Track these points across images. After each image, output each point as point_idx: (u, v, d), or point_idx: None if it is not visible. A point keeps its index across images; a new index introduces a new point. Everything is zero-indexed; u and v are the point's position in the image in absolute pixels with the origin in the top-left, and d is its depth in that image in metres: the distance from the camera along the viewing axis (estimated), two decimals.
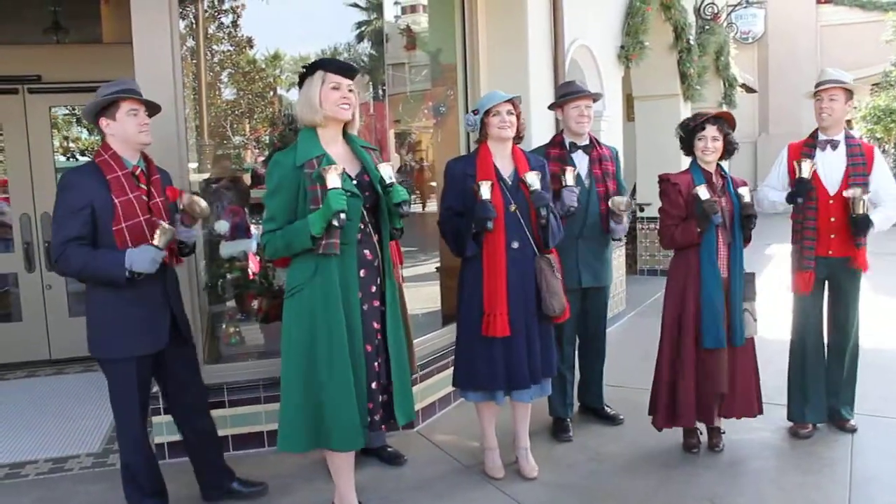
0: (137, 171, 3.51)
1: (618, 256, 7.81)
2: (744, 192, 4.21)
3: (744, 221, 4.21)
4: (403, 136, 6.85)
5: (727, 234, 4.23)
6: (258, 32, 5.90)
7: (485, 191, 3.81)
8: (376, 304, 3.50)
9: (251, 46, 6.46)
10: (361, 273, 3.42)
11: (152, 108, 3.60)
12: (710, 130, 4.22)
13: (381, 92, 6.06)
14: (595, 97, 4.78)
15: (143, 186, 3.50)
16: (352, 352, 3.36)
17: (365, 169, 3.47)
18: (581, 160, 4.67)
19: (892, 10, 18.02)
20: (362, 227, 3.42)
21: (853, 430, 4.70)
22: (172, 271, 3.71)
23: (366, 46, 6.06)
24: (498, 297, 3.88)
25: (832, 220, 4.45)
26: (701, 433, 4.54)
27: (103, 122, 3.48)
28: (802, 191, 4.39)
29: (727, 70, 12.73)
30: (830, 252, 4.48)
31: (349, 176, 3.38)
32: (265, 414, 4.57)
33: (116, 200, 3.37)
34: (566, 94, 4.71)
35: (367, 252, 3.45)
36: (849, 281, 4.58)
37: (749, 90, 18.06)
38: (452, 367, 4.20)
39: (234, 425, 4.57)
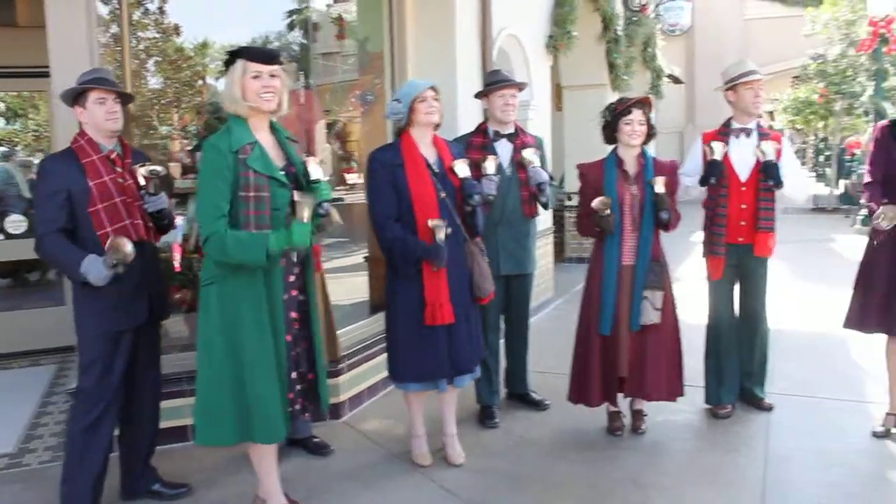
0: (113, 156, 3.60)
1: (545, 244, 7.89)
2: (658, 185, 4.24)
3: (655, 213, 4.26)
4: (333, 126, 6.79)
5: (635, 222, 4.31)
6: (186, 20, 5.77)
7: (441, 236, 3.78)
8: (294, 293, 3.47)
9: (178, 34, 6.33)
10: (281, 263, 3.38)
11: (125, 97, 3.71)
12: (637, 114, 4.29)
13: (310, 81, 6.00)
14: (520, 86, 4.81)
15: (118, 170, 3.59)
16: (276, 343, 3.32)
17: (290, 161, 3.43)
18: (504, 148, 4.70)
19: (811, 6, 18.55)
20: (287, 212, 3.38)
21: (769, 409, 4.85)
22: (151, 247, 3.74)
23: (297, 35, 5.98)
24: (441, 286, 3.88)
25: (743, 206, 4.57)
26: (624, 416, 4.62)
27: (77, 109, 3.60)
28: (715, 171, 4.49)
29: (654, 61, 12.97)
30: (740, 239, 4.59)
31: (277, 167, 3.34)
32: (188, 408, 4.47)
33: (91, 183, 3.46)
34: (491, 82, 4.74)
35: None
36: (757, 267, 4.71)
37: (676, 81, 18.44)
38: (386, 359, 4.16)
39: None
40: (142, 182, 3.63)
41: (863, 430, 4.51)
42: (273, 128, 3.49)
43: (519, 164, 4.68)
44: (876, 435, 4.42)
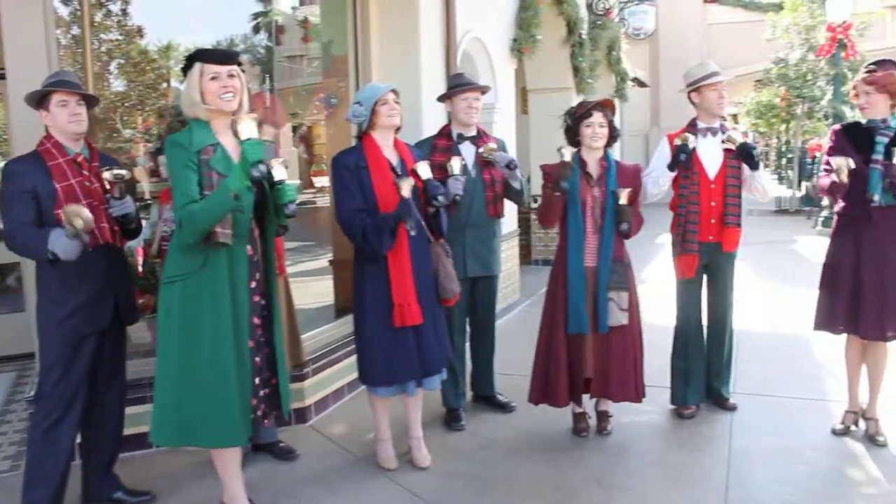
0: (80, 159, 3.57)
1: (511, 247, 7.93)
2: (622, 193, 4.25)
3: (617, 224, 4.29)
4: (298, 129, 6.76)
5: (596, 224, 4.34)
6: (150, 22, 5.71)
7: (406, 189, 3.78)
8: (256, 299, 3.45)
9: (142, 36, 6.26)
10: (246, 267, 3.36)
11: (89, 99, 3.66)
12: (597, 117, 4.32)
13: (274, 84, 5.97)
14: (483, 89, 4.83)
15: (85, 173, 3.56)
16: (237, 347, 3.30)
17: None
18: (468, 151, 4.72)
19: (772, 11, 18.83)
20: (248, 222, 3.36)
21: (733, 409, 4.90)
22: (118, 251, 3.70)
23: (262, 38, 5.95)
24: (408, 286, 3.89)
25: (712, 204, 4.62)
26: (590, 417, 4.65)
27: (42, 112, 3.57)
28: (685, 149, 4.50)
29: (619, 64, 13.09)
30: (711, 237, 4.65)
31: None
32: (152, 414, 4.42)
33: (58, 186, 3.44)
34: (455, 85, 4.77)
35: (248, 247, 3.39)
36: (726, 266, 4.77)
37: (641, 84, 18.61)
38: (353, 361, 4.17)
39: None
40: (107, 186, 3.60)
41: (823, 427, 4.58)
42: (236, 131, 3.46)
43: (483, 165, 4.69)
44: (836, 432, 4.50)
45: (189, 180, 3.21)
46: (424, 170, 3.97)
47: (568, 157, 4.22)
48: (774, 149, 23.36)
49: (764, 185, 4.72)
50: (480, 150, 4.61)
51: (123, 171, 3.60)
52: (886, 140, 4.18)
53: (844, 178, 4.11)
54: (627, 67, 13.82)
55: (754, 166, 4.54)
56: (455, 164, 4.29)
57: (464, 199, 4.39)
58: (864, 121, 4.36)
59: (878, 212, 4.18)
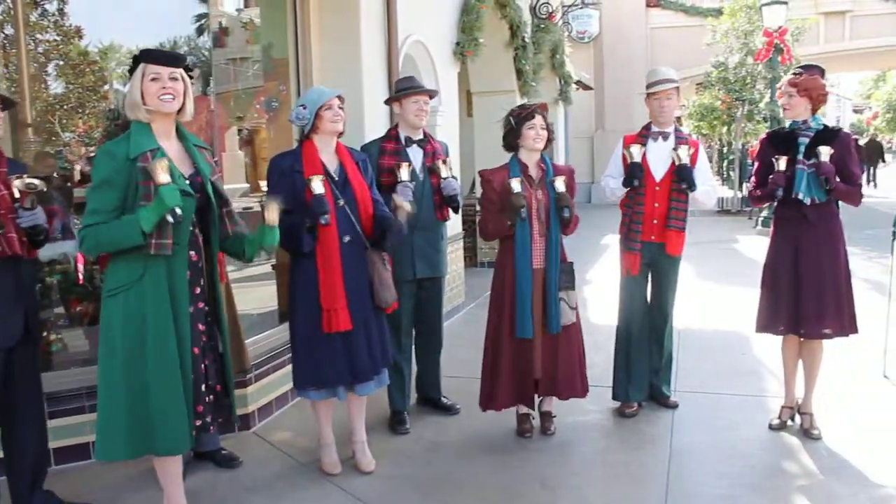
0: None
1: (456, 249, 7.95)
2: (558, 182, 4.35)
3: (558, 212, 4.36)
4: (242, 133, 6.69)
5: (542, 226, 4.39)
6: (89, 22, 5.59)
7: (317, 185, 3.79)
8: (201, 305, 3.41)
9: (81, 37, 6.12)
10: (186, 275, 3.32)
11: (5, 102, 3.56)
12: (538, 119, 4.39)
13: (216, 88, 5.91)
14: (431, 93, 4.90)
15: None
16: (181, 355, 3.26)
17: (198, 169, 3.37)
18: (416, 154, 4.75)
19: (711, 16, 19.21)
20: (190, 227, 3.32)
21: (675, 406, 5.00)
22: (27, 263, 3.58)
23: (206, 40, 5.87)
24: (336, 292, 3.88)
25: (656, 205, 4.72)
26: (533, 418, 4.69)
27: None
28: (636, 172, 4.63)
29: (562, 68, 13.22)
30: (653, 237, 4.74)
31: (183, 175, 3.27)
32: (89, 424, 4.34)
33: None
34: (406, 87, 4.78)
35: (192, 253, 3.36)
36: (668, 265, 4.87)
37: (585, 87, 18.80)
38: (291, 367, 4.15)
39: (56, 438, 4.29)
40: (17, 195, 3.46)
41: (761, 423, 4.70)
42: (181, 134, 3.42)
43: (431, 170, 4.74)
44: (772, 427, 4.62)
45: (105, 197, 3.16)
46: (404, 173, 4.19)
47: (518, 188, 4.29)
48: (716, 150, 23.78)
49: (704, 201, 4.82)
50: (430, 165, 4.72)
51: (36, 181, 3.47)
52: (807, 140, 4.36)
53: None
54: (571, 70, 13.97)
55: (691, 188, 4.64)
56: (404, 171, 4.32)
57: (413, 203, 4.43)
58: (787, 124, 4.52)
59: (813, 211, 4.32)
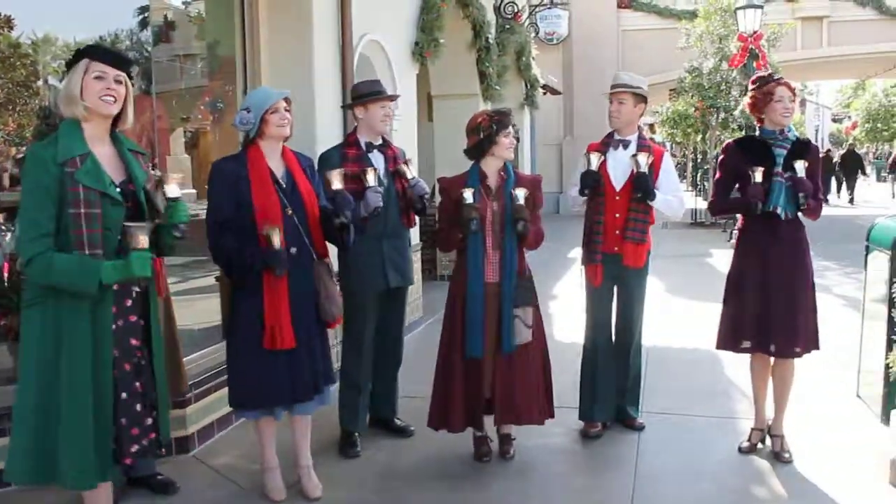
0: None
1: (414, 261, 7.95)
2: (519, 193, 4.35)
3: (512, 224, 4.36)
4: (188, 136, 6.64)
5: (497, 238, 4.41)
6: (20, 12, 5.51)
7: (276, 240, 3.76)
8: (133, 318, 3.38)
9: (11, 27, 6.04)
10: (114, 286, 3.29)
11: None
12: (511, 128, 4.44)
13: (157, 87, 5.85)
14: (394, 98, 4.98)
15: None
16: (99, 377, 3.22)
17: (131, 177, 3.35)
18: (378, 159, 4.77)
19: (685, 19, 19.49)
20: (119, 237, 3.29)
21: (641, 428, 5.05)
22: None
23: (148, 35, 5.82)
24: (281, 308, 3.86)
25: (617, 216, 4.78)
26: (491, 441, 4.70)
27: None
28: (588, 182, 4.71)
29: (529, 70, 13.32)
30: (616, 249, 4.79)
31: (113, 182, 3.25)
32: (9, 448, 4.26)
33: None
34: (373, 92, 4.78)
35: None
36: (633, 279, 4.91)
37: (553, 92, 18.97)
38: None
39: None
40: None
41: (731, 445, 4.76)
42: (115, 139, 3.40)
43: (396, 173, 4.76)
44: (742, 450, 4.68)
45: (41, 205, 3.13)
46: (336, 179, 4.07)
47: (470, 199, 4.30)
48: (690, 160, 24.08)
49: (666, 212, 4.89)
50: (395, 168, 4.75)
51: None
52: (784, 152, 4.44)
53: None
54: (538, 74, 14.08)
55: (649, 197, 4.70)
56: (371, 176, 4.34)
57: (381, 210, 4.46)
58: (757, 133, 4.62)
59: (782, 225, 4.42)
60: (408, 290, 5.12)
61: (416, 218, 4.96)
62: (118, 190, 3.26)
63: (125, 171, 3.36)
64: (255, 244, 3.82)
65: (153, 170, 3.88)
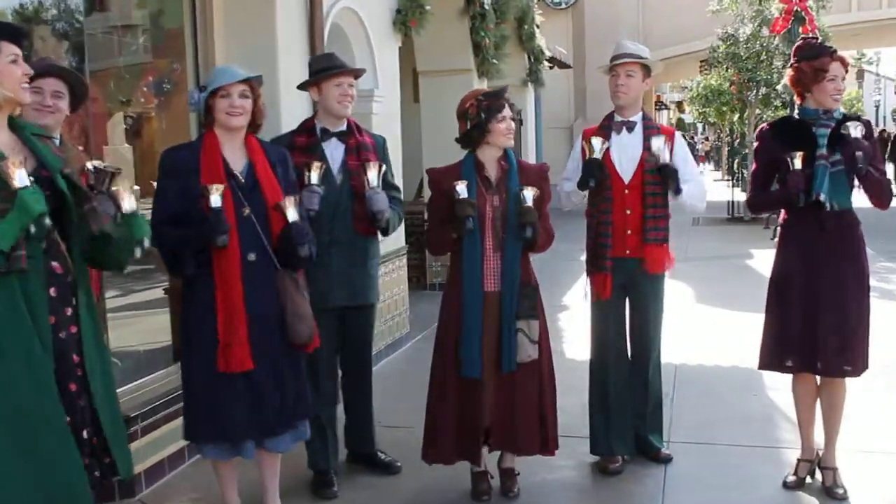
0: None
1: (397, 268, 8.01)
2: (527, 194, 4.37)
3: (519, 229, 4.40)
4: (131, 122, 6.67)
5: (497, 240, 4.46)
6: None
7: (215, 197, 3.81)
8: (74, 330, 3.43)
9: None
10: (52, 291, 3.34)
11: None
12: (507, 110, 4.43)
13: (89, 64, 5.88)
14: (357, 73, 4.93)
15: None
16: (42, 400, 3.26)
17: (42, 162, 3.40)
18: (335, 150, 4.79)
19: None
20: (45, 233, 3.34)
21: (667, 461, 5.10)
22: None
23: (79, 2, 5.85)
24: (235, 322, 3.90)
25: (628, 212, 4.82)
26: (492, 477, 4.74)
27: None
28: (593, 171, 4.69)
29: (532, 41, 13.35)
30: (628, 252, 4.83)
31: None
32: None
33: None
34: (325, 68, 4.79)
35: (55, 265, 3.37)
36: (649, 286, 4.96)
37: (562, 66, 18.99)
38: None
39: None
40: None
41: (774, 480, 4.81)
42: (14, 125, 3.45)
43: (355, 170, 4.75)
44: (788, 485, 4.72)
45: None
46: (291, 211, 4.01)
47: (465, 193, 4.32)
48: (726, 143, 24.18)
49: (693, 203, 4.96)
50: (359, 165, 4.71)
51: None
52: (828, 131, 4.45)
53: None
54: (543, 45, 14.11)
55: (676, 191, 4.76)
56: (314, 173, 4.36)
57: (325, 212, 4.47)
58: (796, 113, 4.69)
59: (831, 219, 4.44)
60: (373, 307, 5.13)
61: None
62: (31, 179, 3.30)
63: (34, 157, 3.40)
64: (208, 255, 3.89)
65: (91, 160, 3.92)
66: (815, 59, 4.46)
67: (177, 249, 3.92)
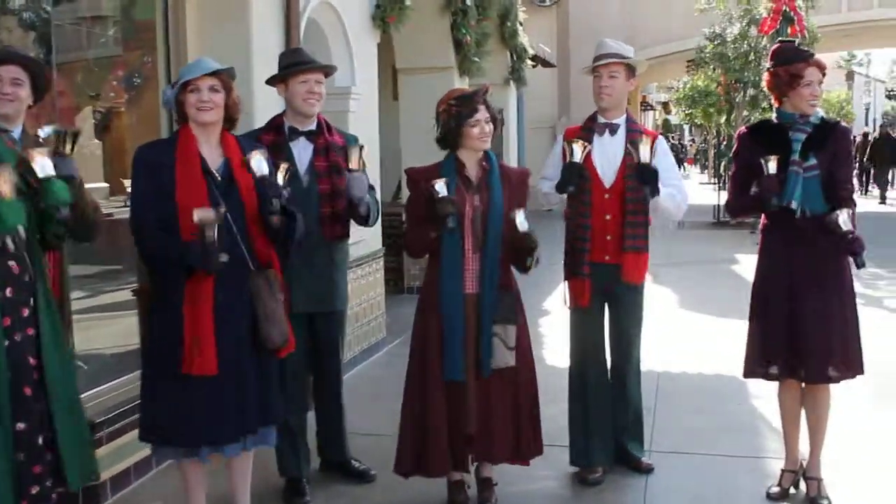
0: None
1: (373, 271, 8.01)
2: (519, 217, 4.35)
3: (518, 258, 4.42)
4: (102, 117, 6.65)
5: (476, 240, 4.46)
6: None
7: (210, 234, 3.73)
8: (31, 332, 3.41)
9: None
10: (7, 292, 3.32)
11: None
12: (482, 112, 4.42)
13: (57, 55, 5.86)
14: (327, 70, 4.93)
15: None
16: None
17: None
18: (303, 150, 4.78)
19: None
20: None
21: (649, 471, 5.11)
22: None
23: None
24: (201, 324, 3.87)
25: (607, 217, 4.82)
26: (469, 486, 4.74)
27: None
28: (572, 175, 4.68)
29: (515, 39, 13.39)
30: (607, 258, 4.83)
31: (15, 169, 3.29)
32: None
33: None
34: (290, 64, 4.79)
35: (11, 264, 3.35)
36: (628, 294, 4.97)
37: (546, 64, 19.06)
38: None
39: None
40: None
41: (758, 490, 4.83)
42: None
43: (324, 171, 4.74)
44: (771, 496, 4.75)
45: None
46: (259, 162, 3.97)
47: (444, 192, 4.28)
48: (712, 145, 24.31)
49: (671, 209, 4.97)
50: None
51: None
52: (803, 137, 4.50)
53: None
54: (526, 43, 14.16)
55: (653, 192, 4.73)
56: (279, 174, 4.32)
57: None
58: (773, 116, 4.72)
59: (809, 224, 4.45)
60: (340, 313, 5.11)
61: (359, 224, 4.87)
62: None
63: None
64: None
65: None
66: (790, 65, 4.50)
67: (164, 262, 3.90)
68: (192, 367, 3.86)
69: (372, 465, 5.14)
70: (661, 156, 4.88)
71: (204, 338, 3.87)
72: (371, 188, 4.83)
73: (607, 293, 4.94)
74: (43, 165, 3.36)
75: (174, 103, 4.00)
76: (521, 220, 4.34)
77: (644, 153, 4.69)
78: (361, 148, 4.73)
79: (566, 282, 4.98)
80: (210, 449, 4.05)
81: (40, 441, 3.40)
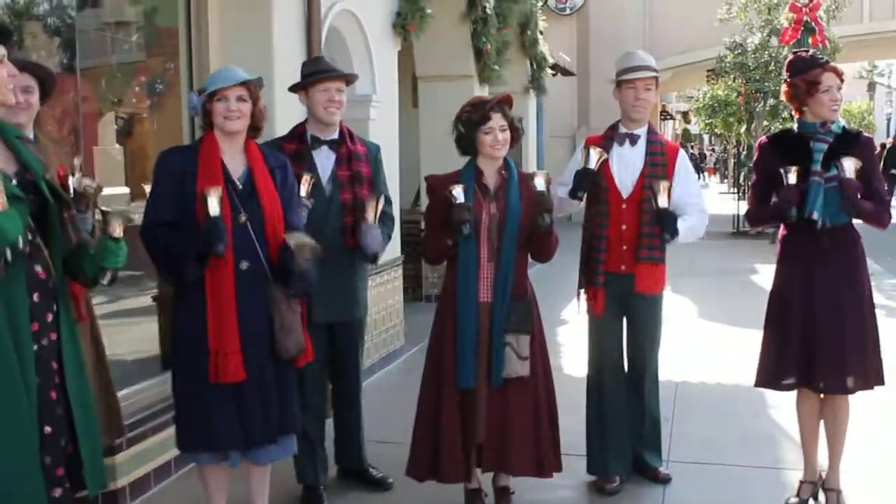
0: None
1: (391, 279, 8.03)
2: (539, 181, 4.36)
3: (536, 220, 4.37)
4: (118, 122, 6.69)
5: (492, 248, 4.47)
6: None
7: (213, 204, 3.80)
8: (54, 336, 3.43)
9: None
10: (35, 297, 3.34)
11: None
12: (497, 119, 4.42)
13: (80, 61, 5.90)
14: (348, 78, 4.95)
15: None
16: (27, 408, 3.27)
17: (25, 166, 3.41)
18: (326, 159, 4.80)
19: None
20: (30, 237, 3.35)
21: (666, 481, 5.12)
22: None
23: None
24: (227, 331, 3.90)
25: (623, 227, 4.84)
26: (486, 495, 4.75)
27: None
28: (585, 183, 4.72)
29: (535, 47, 13.40)
30: (623, 267, 4.85)
31: (7, 176, 3.30)
32: None
33: None
34: (312, 73, 4.81)
35: (38, 269, 3.37)
36: (645, 305, 4.98)
37: (565, 73, 19.06)
38: (174, 426, 4.20)
39: None
40: None
41: (776, 502, 4.81)
42: None
43: (347, 181, 4.77)
44: None
45: None
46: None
47: (461, 198, 4.31)
48: (732, 155, 24.24)
49: (690, 240, 4.98)
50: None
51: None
52: (825, 147, 4.50)
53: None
54: (546, 51, 14.17)
55: (672, 233, 4.72)
56: (303, 185, 4.36)
57: (312, 223, 4.44)
58: (795, 126, 4.71)
59: (829, 236, 4.46)
60: (361, 322, 5.14)
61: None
62: (14, 182, 3.31)
63: (16, 160, 3.41)
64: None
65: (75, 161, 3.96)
66: (806, 72, 4.51)
67: (172, 254, 3.93)
68: (221, 374, 3.90)
69: (389, 472, 5.15)
70: (680, 171, 4.92)
71: (229, 344, 3.90)
72: (385, 213, 4.84)
73: (624, 303, 4.95)
74: (115, 227, 3.39)
75: (201, 111, 4.04)
76: (538, 181, 4.36)
77: (662, 200, 4.67)
78: (379, 198, 4.73)
79: (581, 289, 4.99)
80: (240, 455, 4.10)
81: (62, 443, 3.42)
